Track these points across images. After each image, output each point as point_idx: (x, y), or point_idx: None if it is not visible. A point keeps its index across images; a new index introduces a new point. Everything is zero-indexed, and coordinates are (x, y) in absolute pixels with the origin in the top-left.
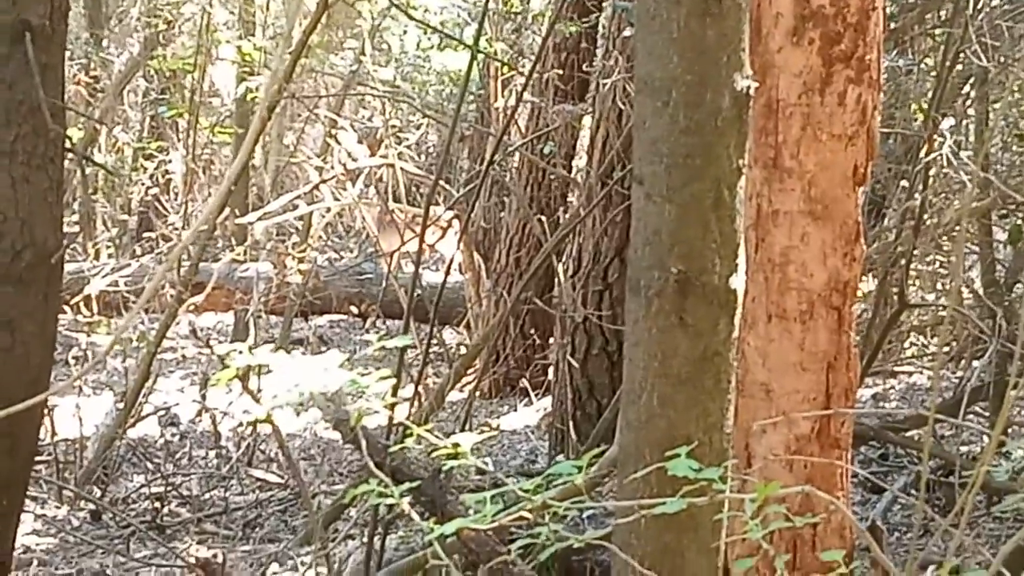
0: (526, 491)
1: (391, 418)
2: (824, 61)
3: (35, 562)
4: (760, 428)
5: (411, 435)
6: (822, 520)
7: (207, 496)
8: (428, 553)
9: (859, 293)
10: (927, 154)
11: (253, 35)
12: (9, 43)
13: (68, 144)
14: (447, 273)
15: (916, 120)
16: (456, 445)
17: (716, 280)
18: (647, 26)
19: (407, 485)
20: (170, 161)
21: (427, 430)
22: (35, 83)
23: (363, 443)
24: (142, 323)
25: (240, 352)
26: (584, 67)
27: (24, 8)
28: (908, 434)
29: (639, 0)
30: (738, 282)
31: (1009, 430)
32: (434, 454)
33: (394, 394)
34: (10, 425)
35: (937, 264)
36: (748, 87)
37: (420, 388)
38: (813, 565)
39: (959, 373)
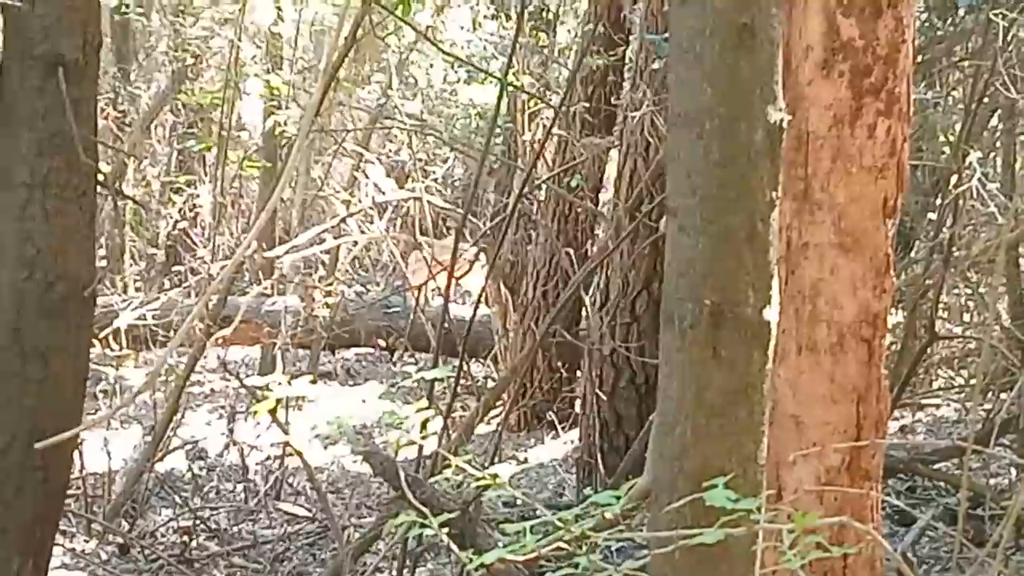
0: (564, 521)
1: (421, 450)
2: (854, 94)
3: None
4: (791, 460)
5: (449, 466)
6: (853, 553)
7: (235, 530)
8: None
9: (888, 325)
10: (956, 187)
11: (281, 69)
12: (42, 77)
13: (100, 178)
14: (476, 307)
15: (944, 153)
16: (495, 476)
17: (750, 312)
18: (680, 59)
19: (444, 516)
20: (198, 195)
21: (460, 464)
22: (68, 117)
23: (401, 474)
24: (170, 357)
25: (279, 384)
26: (611, 100)
27: (57, 42)
28: (937, 466)
29: (672, 33)
30: (772, 314)
31: None
32: (469, 486)
33: (424, 427)
34: (43, 458)
35: (964, 297)
36: (781, 120)
37: (448, 421)
38: None
39: (987, 405)
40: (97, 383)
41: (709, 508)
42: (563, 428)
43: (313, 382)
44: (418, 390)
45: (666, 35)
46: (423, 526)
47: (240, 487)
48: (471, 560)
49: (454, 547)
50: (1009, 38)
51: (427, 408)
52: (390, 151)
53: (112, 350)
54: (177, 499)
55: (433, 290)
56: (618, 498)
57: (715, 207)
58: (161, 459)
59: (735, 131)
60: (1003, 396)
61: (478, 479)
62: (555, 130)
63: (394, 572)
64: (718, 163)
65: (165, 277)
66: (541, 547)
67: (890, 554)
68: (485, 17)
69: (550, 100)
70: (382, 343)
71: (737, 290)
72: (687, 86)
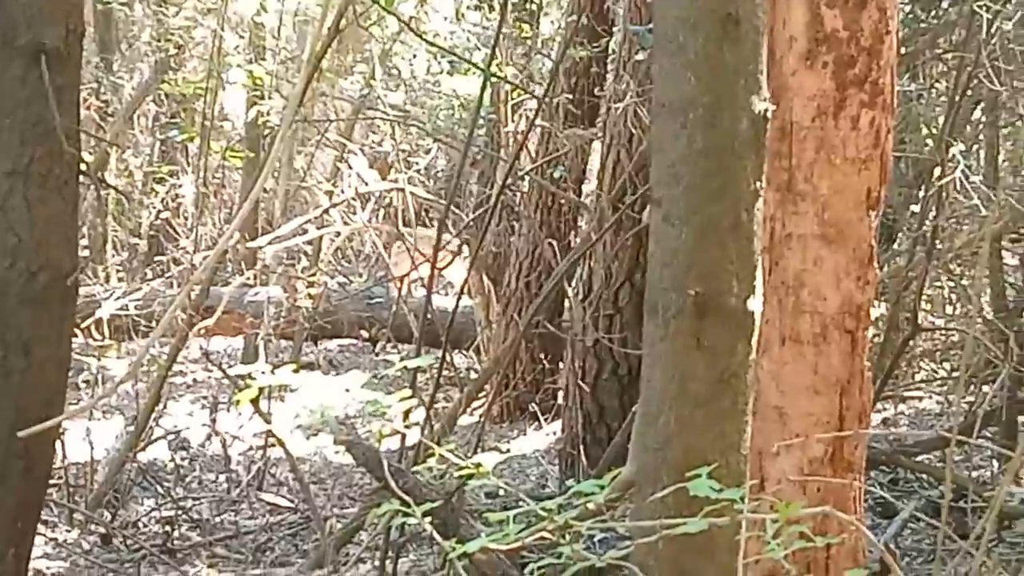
0: (548, 511)
1: (403, 440)
2: (838, 85)
3: None
4: (773, 451)
5: (433, 455)
6: (836, 543)
7: (218, 520)
8: (452, 572)
9: (871, 317)
10: (939, 179)
11: (264, 60)
12: (25, 66)
13: (83, 167)
14: (459, 298)
15: (927, 145)
16: (479, 465)
17: (733, 302)
18: (665, 49)
19: (428, 506)
20: (181, 185)
21: (443, 453)
22: (50, 105)
23: (384, 463)
24: (152, 347)
25: (263, 372)
26: (595, 91)
27: (40, 31)
28: (919, 459)
29: (657, 24)
30: (755, 304)
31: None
32: (451, 477)
33: (406, 417)
34: (25, 447)
35: (947, 289)
36: (766, 110)
37: (431, 412)
38: None
39: (969, 398)
40: (79, 373)
41: (693, 498)
42: (546, 419)
43: (296, 371)
44: (400, 381)
45: (650, 26)
46: (406, 515)
47: (222, 477)
48: (454, 549)
49: (437, 536)
50: (993, 30)
51: (410, 398)
52: (373, 142)
53: (94, 340)
54: (159, 489)
55: (415, 281)
56: (602, 487)
57: (699, 197)
58: (143, 449)
59: (719, 121)
60: (985, 389)
61: (461, 468)
62: (538, 121)
63: (376, 562)
64: (702, 153)
65: (147, 267)
66: (524, 537)
67: (874, 544)
68: (468, 8)
69: (533, 91)
70: (365, 334)
71: (721, 280)
72: (671, 76)
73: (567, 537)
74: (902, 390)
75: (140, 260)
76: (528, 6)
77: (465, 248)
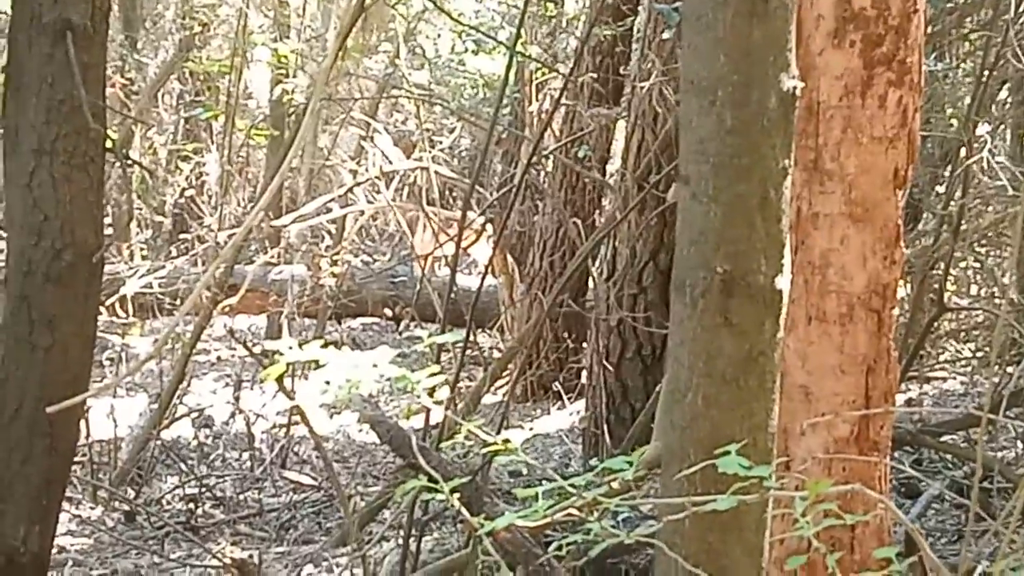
0: (576, 487)
1: (427, 418)
2: (865, 63)
3: (70, 562)
4: (799, 430)
5: (457, 432)
6: (861, 523)
7: (241, 498)
8: (478, 549)
9: (898, 296)
10: (966, 159)
11: (288, 38)
12: (51, 43)
13: (108, 144)
14: (484, 277)
15: (952, 125)
16: (507, 441)
17: (762, 280)
18: (693, 26)
19: (456, 482)
20: (205, 163)
21: (467, 432)
22: (76, 83)
23: (413, 440)
24: (177, 325)
25: (290, 347)
26: (619, 70)
27: (66, 8)
28: (944, 439)
29: (686, 0)
30: (784, 282)
31: None
32: (474, 456)
33: (432, 394)
34: (50, 424)
35: (972, 270)
36: (795, 87)
37: (455, 391)
38: (850, 568)
39: (994, 378)
40: (103, 351)
41: (719, 476)
42: (569, 399)
43: (324, 347)
44: (423, 360)
45: (675, 5)
46: (432, 492)
47: (246, 455)
48: (482, 525)
49: (465, 512)
50: (1021, 9)
51: (438, 374)
52: (397, 121)
53: (118, 318)
54: (183, 467)
55: (439, 260)
56: (630, 464)
57: (728, 175)
58: (167, 427)
59: (748, 98)
60: (1010, 369)
61: (486, 445)
62: (563, 100)
63: (400, 540)
64: (730, 131)
65: (172, 245)
66: (552, 514)
67: (903, 521)
68: None
69: (558, 70)
70: (388, 312)
71: (749, 258)
72: (700, 54)
73: (595, 514)
74: (927, 370)
75: (164, 238)
76: None
77: (489, 227)
